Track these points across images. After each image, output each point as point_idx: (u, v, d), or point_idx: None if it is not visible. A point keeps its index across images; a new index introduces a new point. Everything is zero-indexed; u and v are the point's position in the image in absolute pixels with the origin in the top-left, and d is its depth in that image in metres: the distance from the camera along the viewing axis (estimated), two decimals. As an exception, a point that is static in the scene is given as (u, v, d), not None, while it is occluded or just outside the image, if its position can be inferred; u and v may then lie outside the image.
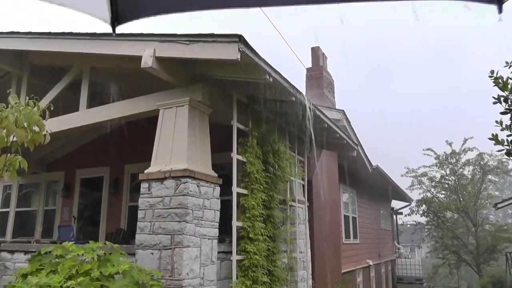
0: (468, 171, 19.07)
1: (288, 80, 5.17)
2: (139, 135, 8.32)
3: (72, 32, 5.63)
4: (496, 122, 3.30)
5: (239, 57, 4.14)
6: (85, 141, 10.63)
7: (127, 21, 1.68)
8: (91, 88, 6.40)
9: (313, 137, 6.02)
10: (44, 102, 6.53)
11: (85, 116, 6.16)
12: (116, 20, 1.65)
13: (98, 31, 5.37)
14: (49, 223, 11.02)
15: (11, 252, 6.36)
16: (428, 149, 19.16)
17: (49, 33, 5.93)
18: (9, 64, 6.96)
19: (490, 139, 3.34)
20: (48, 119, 4.67)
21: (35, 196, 11.68)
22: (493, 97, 3.36)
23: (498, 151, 3.36)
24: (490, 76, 3.39)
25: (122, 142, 9.66)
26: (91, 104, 6.25)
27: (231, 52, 4.20)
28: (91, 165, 10.41)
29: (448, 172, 18.87)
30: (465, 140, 18.45)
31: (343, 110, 9.53)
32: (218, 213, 5.10)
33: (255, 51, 4.35)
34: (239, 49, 4.14)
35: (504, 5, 1.34)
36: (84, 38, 5.56)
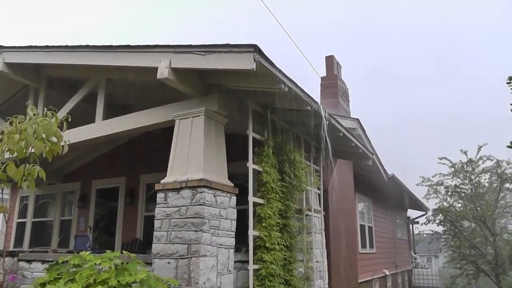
0: (485, 179, 18.73)
1: (303, 89, 5.17)
2: (154, 145, 8.39)
3: (88, 45, 5.71)
4: None
5: (254, 67, 4.15)
6: (100, 152, 10.74)
7: None
8: (107, 99, 6.48)
9: (329, 146, 5.99)
10: (61, 114, 6.60)
11: (101, 127, 6.22)
12: None
13: (114, 43, 5.45)
14: (65, 233, 11.13)
15: (29, 261, 6.42)
16: (443, 158, 18.89)
17: (66, 46, 6.03)
18: (27, 78, 7.09)
19: (508, 147, 3.29)
20: (65, 131, 4.76)
21: (52, 206, 11.81)
22: (511, 104, 3.30)
23: None
24: (508, 83, 3.35)
25: (138, 152, 9.77)
26: (107, 115, 6.31)
27: (246, 62, 4.21)
28: (106, 176, 10.52)
29: (464, 180, 18.57)
30: (480, 147, 18.16)
31: (358, 119, 9.48)
32: (234, 223, 5.10)
33: (270, 60, 4.36)
34: (254, 59, 4.15)
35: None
36: (100, 51, 5.63)
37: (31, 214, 11.95)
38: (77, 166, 11.24)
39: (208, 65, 4.56)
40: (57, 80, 7.20)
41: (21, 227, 12.06)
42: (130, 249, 8.86)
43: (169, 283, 3.81)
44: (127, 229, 9.91)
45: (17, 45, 6.61)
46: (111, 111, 6.40)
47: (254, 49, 4.17)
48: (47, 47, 6.27)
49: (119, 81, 6.63)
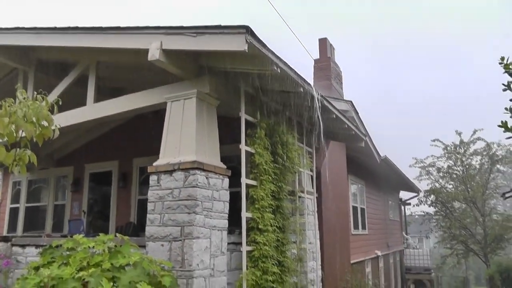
0: (476, 161, 18.95)
1: (296, 71, 5.14)
2: (146, 128, 8.34)
3: (77, 27, 5.62)
4: (506, 109, 3.24)
5: (246, 48, 4.11)
6: (93, 136, 10.67)
7: None
8: (99, 82, 6.42)
9: (321, 128, 5.99)
10: (51, 98, 6.51)
11: (92, 110, 6.17)
12: None
13: (104, 25, 5.37)
14: (59, 218, 11.12)
15: (23, 246, 6.42)
16: (435, 140, 19.04)
17: (55, 28, 5.93)
18: (15, 60, 6.97)
19: (499, 126, 3.28)
20: (56, 114, 4.69)
21: (45, 191, 11.77)
22: (503, 84, 3.29)
23: (508, 138, 3.30)
24: (500, 63, 3.33)
25: (130, 136, 9.73)
26: (99, 98, 6.25)
27: (238, 44, 4.17)
28: (99, 160, 10.47)
29: (456, 162, 18.76)
30: (475, 131, 18.32)
31: (351, 101, 9.48)
32: (227, 204, 5.11)
33: (262, 42, 4.32)
34: (246, 40, 4.11)
35: None
36: (90, 33, 5.54)
37: (24, 199, 11.90)
38: (70, 151, 11.18)
39: (200, 46, 4.51)
40: (46, 63, 7.10)
41: (14, 212, 12.01)
42: (124, 232, 8.78)
43: (163, 265, 3.83)
44: (121, 213, 9.92)
45: (3, 27, 6.48)
46: (104, 94, 6.33)
47: (246, 30, 4.13)
48: (35, 28, 6.15)
49: (110, 64, 6.56)
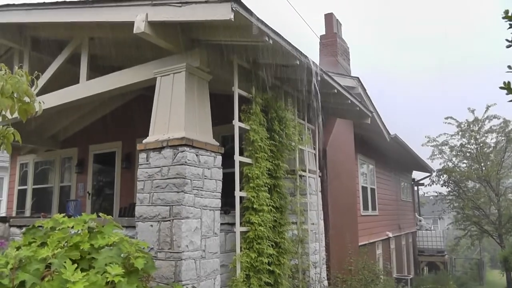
0: (492, 139, 18.33)
1: (291, 42, 4.86)
2: (149, 108, 8.17)
3: (65, 1, 5.42)
4: (509, 67, 2.86)
5: (232, 17, 3.85)
6: (96, 117, 10.59)
7: None
8: (94, 61, 6.24)
9: (319, 103, 5.70)
10: (45, 76, 6.40)
11: (85, 88, 6.01)
12: None
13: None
14: (66, 199, 11.11)
15: (20, 227, 6.37)
16: (449, 117, 18.46)
17: (44, 4, 5.74)
18: (9, 39, 6.83)
19: (501, 88, 2.90)
20: (49, 93, 4.50)
21: (51, 173, 11.79)
22: (507, 40, 2.85)
23: (510, 101, 2.93)
24: (503, 17, 2.94)
25: (133, 116, 9.56)
26: (94, 77, 6.08)
27: (224, 12, 3.90)
28: (103, 141, 10.42)
29: (470, 140, 18.18)
30: (488, 107, 17.69)
31: (358, 77, 9.15)
32: (220, 183, 4.89)
33: (250, 10, 4.05)
34: (232, 8, 3.85)
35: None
36: (78, 7, 5.33)
37: (31, 181, 11.96)
38: (74, 132, 11.14)
39: (185, 17, 4.26)
40: (41, 42, 6.94)
41: (22, 194, 12.09)
42: (127, 213, 8.81)
43: (142, 246, 3.60)
44: (124, 194, 9.85)
45: (-7, 5, 6.33)
46: (99, 73, 6.16)
47: (233, -2, 3.87)
48: (24, 5, 6.00)
49: (104, 41, 6.35)
